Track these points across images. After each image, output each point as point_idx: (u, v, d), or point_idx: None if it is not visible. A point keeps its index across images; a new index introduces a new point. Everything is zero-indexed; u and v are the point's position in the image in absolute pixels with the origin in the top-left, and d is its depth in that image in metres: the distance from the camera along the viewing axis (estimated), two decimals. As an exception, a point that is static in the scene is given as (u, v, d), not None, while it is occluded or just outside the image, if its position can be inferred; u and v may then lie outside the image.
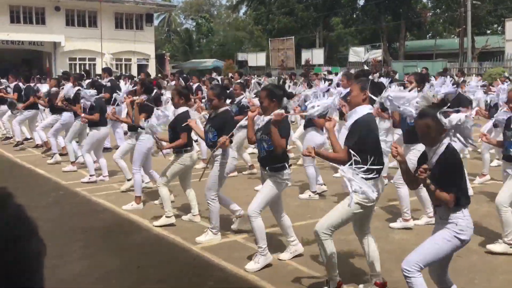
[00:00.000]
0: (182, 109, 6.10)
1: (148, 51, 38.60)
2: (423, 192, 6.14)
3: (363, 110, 4.08)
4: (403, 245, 5.45)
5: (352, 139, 4.00)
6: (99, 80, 14.32)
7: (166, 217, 6.07)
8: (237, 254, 5.15)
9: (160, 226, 6.03)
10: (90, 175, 8.43)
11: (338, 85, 9.03)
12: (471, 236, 3.50)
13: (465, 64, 29.70)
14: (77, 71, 30.35)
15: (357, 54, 35.37)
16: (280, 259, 4.95)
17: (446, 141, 3.43)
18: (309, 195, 7.36)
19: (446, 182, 3.36)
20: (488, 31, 40.96)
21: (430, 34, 47.12)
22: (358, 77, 6.81)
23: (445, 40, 42.32)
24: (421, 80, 6.05)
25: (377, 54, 35.00)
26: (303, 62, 35.61)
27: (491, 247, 5.20)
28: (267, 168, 4.74)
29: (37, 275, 0.80)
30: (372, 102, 4.19)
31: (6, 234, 0.75)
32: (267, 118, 4.68)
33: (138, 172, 6.95)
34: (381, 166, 4.06)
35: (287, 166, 4.71)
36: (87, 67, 33.86)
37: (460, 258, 4.92)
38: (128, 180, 7.80)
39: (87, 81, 10.91)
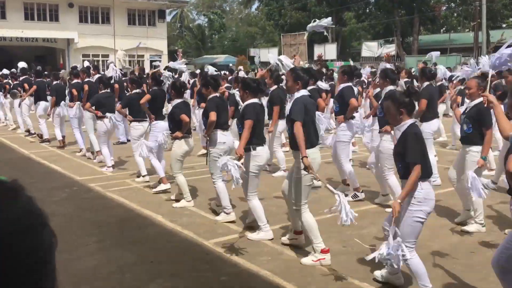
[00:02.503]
0: (176, 100, 6.79)
1: (160, 47, 38.71)
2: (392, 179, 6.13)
3: (301, 92, 4.78)
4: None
5: (300, 114, 4.57)
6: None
7: (186, 201, 6.73)
8: (250, 249, 5.16)
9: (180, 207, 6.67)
10: (108, 166, 8.97)
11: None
12: (433, 206, 3.83)
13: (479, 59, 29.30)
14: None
15: (370, 49, 35.02)
16: (248, 238, 5.40)
17: (409, 121, 3.89)
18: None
19: (410, 153, 3.71)
20: (504, 25, 40.42)
21: (444, 28, 46.63)
22: (345, 73, 7.06)
23: (460, 34, 41.84)
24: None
25: (390, 48, 34.66)
26: (315, 57, 35.43)
27: (467, 228, 5.46)
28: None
29: (48, 266, 0.79)
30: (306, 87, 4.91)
31: (17, 225, 0.76)
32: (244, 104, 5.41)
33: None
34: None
35: (251, 148, 5.26)
36: (100, 64, 34.18)
37: (474, 254, 4.88)
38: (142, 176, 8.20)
39: (96, 76, 11.08)
